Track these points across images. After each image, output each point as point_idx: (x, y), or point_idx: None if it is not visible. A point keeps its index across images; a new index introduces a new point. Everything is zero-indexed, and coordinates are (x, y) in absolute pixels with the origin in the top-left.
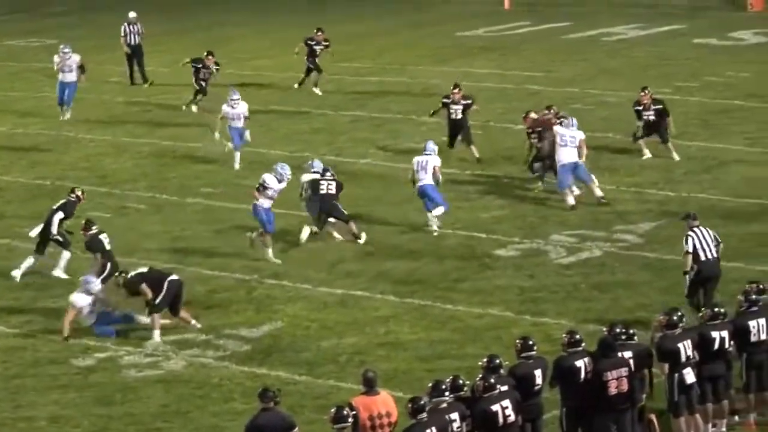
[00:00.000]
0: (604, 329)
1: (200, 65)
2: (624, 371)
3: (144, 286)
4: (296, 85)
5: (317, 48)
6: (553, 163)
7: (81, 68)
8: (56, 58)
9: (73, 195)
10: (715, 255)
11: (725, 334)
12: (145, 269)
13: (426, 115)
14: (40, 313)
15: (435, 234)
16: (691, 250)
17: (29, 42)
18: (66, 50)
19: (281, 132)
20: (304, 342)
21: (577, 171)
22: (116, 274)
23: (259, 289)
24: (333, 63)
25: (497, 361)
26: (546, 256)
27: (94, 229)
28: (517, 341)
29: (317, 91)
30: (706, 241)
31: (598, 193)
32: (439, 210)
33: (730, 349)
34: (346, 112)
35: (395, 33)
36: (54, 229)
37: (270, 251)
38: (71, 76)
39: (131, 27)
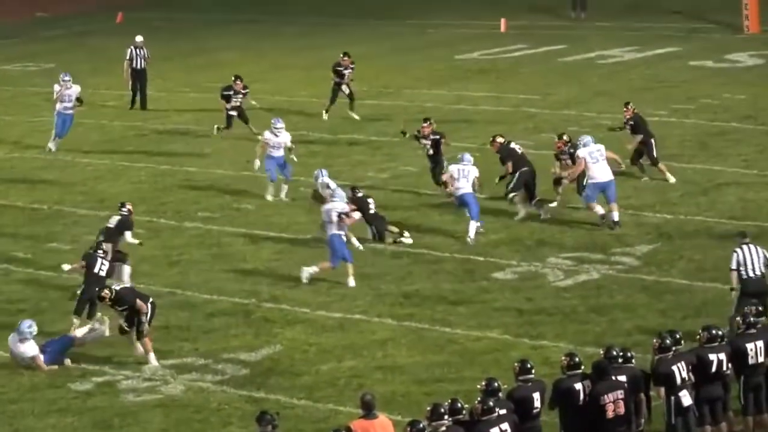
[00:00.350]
0: (601, 352)
1: (230, 92)
2: (620, 394)
3: (140, 301)
4: (354, 116)
5: (346, 72)
6: (518, 181)
7: (79, 101)
8: (56, 87)
9: (125, 209)
10: (760, 273)
11: (723, 356)
12: (128, 285)
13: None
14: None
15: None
16: (734, 267)
17: (25, 66)
18: (66, 78)
19: None
20: (302, 366)
21: (608, 190)
22: (98, 288)
23: (257, 312)
24: (329, 87)
25: (495, 384)
26: (544, 278)
27: (99, 252)
28: (516, 364)
29: (325, 115)
30: (751, 258)
31: (616, 216)
32: (474, 225)
33: (728, 371)
34: (343, 135)
35: (391, 56)
36: (134, 241)
37: (312, 271)
38: (70, 108)
39: (138, 51)
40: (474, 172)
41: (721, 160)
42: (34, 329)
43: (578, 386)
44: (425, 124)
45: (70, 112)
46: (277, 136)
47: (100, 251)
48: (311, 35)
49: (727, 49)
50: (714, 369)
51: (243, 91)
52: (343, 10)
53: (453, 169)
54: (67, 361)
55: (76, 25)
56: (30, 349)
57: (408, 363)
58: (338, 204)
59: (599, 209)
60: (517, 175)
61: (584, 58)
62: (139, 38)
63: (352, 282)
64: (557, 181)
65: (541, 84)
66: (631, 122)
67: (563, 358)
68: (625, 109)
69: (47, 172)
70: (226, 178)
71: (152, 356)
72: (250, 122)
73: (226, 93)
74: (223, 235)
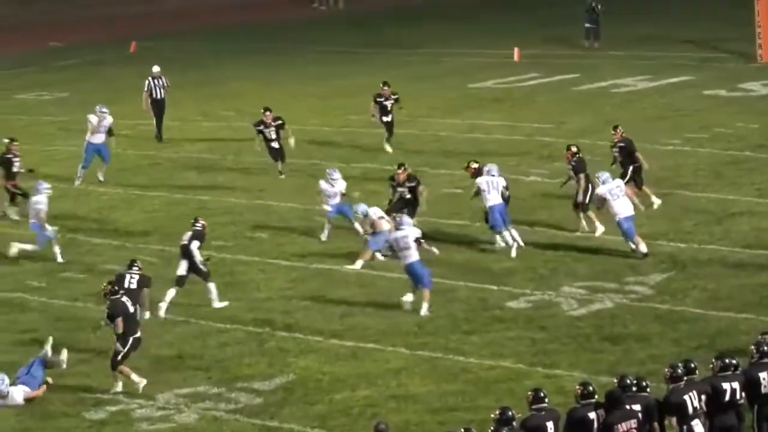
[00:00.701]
0: (615, 381)
1: (261, 126)
2: (633, 423)
3: (120, 321)
4: (388, 148)
5: (387, 103)
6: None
7: (110, 132)
8: (93, 119)
9: (199, 224)
10: None
11: (736, 385)
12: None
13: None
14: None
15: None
16: None
17: (39, 95)
18: (104, 110)
19: (292, 184)
20: (316, 395)
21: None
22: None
23: (270, 341)
24: (342, 116)
25: (509, 413)
26: (557, 307)
27: (134, 269)
28: (529, 393)
29: (388, 148)
30: None
31: (644, 249)
32: (514, 234)
33: (742, 400)
34: (356, 164)
35: (404, 85)
36: (198, 257)
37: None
38: (102, 137)
39: (156, 81)
40: (502, 182)
41: (735, 189)
42: (7, 381)
43: (592, 415)
44: (399, 171)
45: (103, 142)
46: (333, 186)
47: (135, 267)
48: (324, 64)
49: (741, 78)
50: (727, 398)
51: (274, 124)
52: (355, 39)
53: (481, 181)
54: (49, 379)
55: (89, 55)
56: (17, 396)
57: (422, 392)
58: (411, 230)
59: (643, 247)
60: None
61: (598, 87)
62: (156, 68)
63: (425, 310)
64: (577, 206)
65: (555, 113)
66: (621, 144)
67: (577, 387)
68: (614, 132)
69: (61, 201)
70: (239, 207)
71: (135, 376)
72: (283, 162)
73: (257, 128)
74: (236, 263)
